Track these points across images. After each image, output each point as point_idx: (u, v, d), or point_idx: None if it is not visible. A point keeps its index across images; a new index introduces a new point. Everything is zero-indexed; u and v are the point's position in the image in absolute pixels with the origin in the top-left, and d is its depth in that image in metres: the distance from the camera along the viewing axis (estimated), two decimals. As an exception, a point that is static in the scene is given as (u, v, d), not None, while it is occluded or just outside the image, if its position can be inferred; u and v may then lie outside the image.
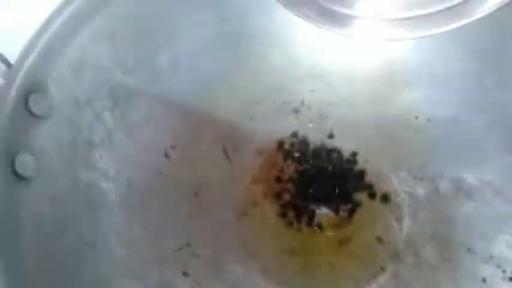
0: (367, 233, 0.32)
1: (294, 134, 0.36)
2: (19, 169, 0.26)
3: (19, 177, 0.26)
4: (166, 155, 0.34)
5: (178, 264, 0.31)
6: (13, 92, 0.27)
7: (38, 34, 0.28)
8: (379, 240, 0.32)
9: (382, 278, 0.31)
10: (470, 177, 0.32)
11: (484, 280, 0.30)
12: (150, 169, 0.33)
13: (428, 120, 0.34)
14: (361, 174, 0.34)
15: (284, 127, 0.36)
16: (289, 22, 0.34)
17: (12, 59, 0.27)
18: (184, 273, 0.31)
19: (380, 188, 0.34)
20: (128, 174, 0.32)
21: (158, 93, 0.34)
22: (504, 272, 0.30)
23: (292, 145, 0.35)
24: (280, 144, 0.35)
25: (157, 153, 0.34)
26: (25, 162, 0.27)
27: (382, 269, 0.31)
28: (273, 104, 0.36)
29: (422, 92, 0.34)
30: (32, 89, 0.27)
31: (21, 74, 0.27)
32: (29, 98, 0.27)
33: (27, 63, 0.27)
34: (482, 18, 0.23)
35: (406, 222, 0.32)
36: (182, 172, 0.34)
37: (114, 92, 0.32)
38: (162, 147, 0.34)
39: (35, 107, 0.28)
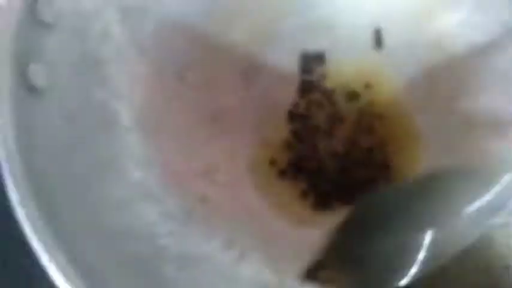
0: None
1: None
2: (32, 79, 0.24)
3: (31, 88, 0.24)
4: (181, 78, 0.32)
5: (197, 190, 0.29)
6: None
7: None
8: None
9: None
10: (507, 110, 0.30)
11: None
12: (165, 91, 0.31)
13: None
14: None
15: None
16: None
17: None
18: (203, 199, 0.29)
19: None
20: (142, 94, 0.30)
21: (169, 11, 0.31)
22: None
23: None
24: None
25: (171, 75, 0.32)
26: (37, 73, 0.24)
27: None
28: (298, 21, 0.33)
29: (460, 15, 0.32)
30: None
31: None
32: (37, 5, 0.25)
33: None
34: None
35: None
36: (199, 96, 0.32)
37: (123, 4, 0.30)
38: (176, 69, 0.32)
39: (43, 13, 0.25)
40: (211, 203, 0.29)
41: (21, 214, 0.21)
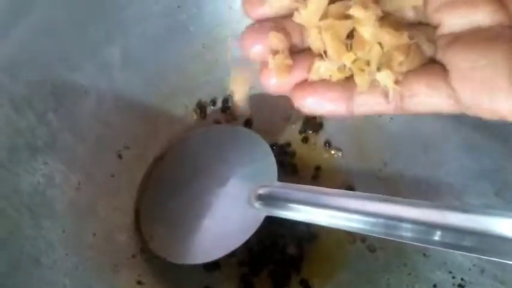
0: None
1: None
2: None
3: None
4: (119, 156, 0.32)
5: (132, 272, 0.30)
6: None
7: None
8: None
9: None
10: (430, 178, 0.31)
11: (435, 286, 0.30)
12: (101, 171, 0.31)
13: (391, 119, 0.33)
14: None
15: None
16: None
17: None
18: (139, 282, 0.30)
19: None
20: (76, 178, 0.30)
21: (108, 89, 0.31)
22: (454, 278, 0.30)
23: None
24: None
25: (109, 154, 0.32)
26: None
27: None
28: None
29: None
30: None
31: None
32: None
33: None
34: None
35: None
36: (136, 173, 0.32)
37: (57, 90, 0.30)
38: (115, 147, 0.32)
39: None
40: (146, 286, 0.30)
41: None
